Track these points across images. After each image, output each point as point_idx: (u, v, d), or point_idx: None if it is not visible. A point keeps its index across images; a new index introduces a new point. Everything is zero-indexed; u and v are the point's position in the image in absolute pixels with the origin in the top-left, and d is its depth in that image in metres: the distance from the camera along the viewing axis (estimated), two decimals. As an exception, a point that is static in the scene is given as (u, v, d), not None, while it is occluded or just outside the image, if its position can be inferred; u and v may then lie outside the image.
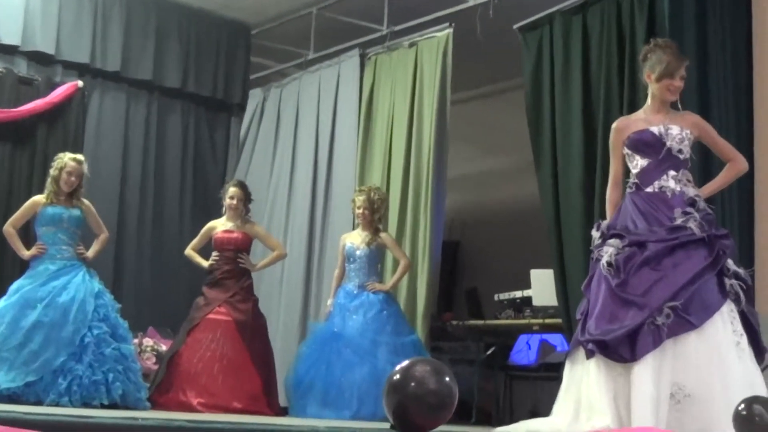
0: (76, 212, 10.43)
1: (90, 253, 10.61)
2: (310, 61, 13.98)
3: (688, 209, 6.61)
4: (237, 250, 11.21)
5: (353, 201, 11.44)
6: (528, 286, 11.20)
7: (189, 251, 11.53)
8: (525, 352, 13.10)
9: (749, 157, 8.10)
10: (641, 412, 6.05)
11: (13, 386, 9.44)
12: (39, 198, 10.47)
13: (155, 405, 10.31)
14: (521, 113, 10.66)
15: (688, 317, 6.16)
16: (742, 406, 4.86)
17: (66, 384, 9.55)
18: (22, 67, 12.71)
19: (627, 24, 9.66)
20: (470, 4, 11.42)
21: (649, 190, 6.80)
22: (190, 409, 10.27)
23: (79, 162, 10.50)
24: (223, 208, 11.45)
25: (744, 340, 6.22)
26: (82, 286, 10.08)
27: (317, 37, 13.68)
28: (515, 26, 10.63)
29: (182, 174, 14.29)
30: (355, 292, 10.83)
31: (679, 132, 6.84)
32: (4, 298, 10.00)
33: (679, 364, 6.10)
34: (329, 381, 10.37)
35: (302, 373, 10.54)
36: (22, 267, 10.64)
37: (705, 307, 6.24)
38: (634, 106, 8.72)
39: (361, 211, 11.20)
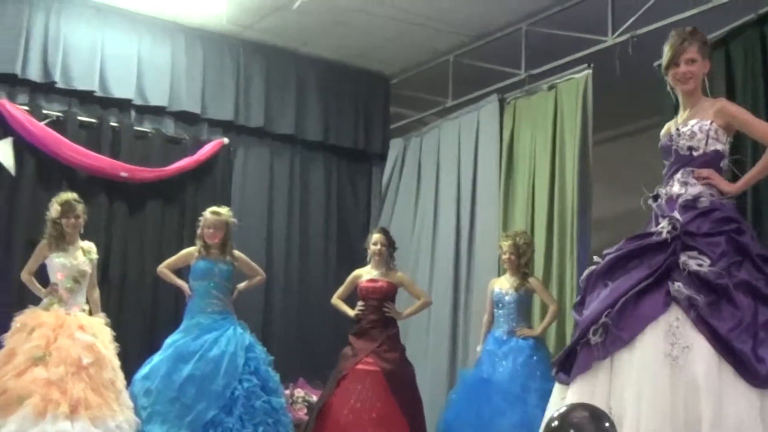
0: (226, 266, 10.61)
1: (242, 286, 10.94)
2: (449, 108, 13.81)
3: (676, 213, 6.07)
4: (382, 298, 11.02)
5: (500, 247, 11.21)
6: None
7: (335, 300, 11.41)
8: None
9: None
10: None
11: None
12: (193, 250, 10.75)
13: None
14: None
15: (619, 333, 5.66)
16: (556, 415, 4.26)
17: None
18: (169, 127, 12.98)
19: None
20: (608, 43, 11.27)
21: (660, 200, 6.35)
22: (340, 462, 10.40)
23: (217, 214, 10.70)
24: (368, 257, 11.33)
25: (690, 353, 5.44)
26: (233, 340, 10.21)
27: (455, 83, 13.58)
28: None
29: (326, 224, 14.36)
30: (504, 338, 10.55)
31: (692, 127, 6.31)
32: (159, 352, 10.19)
33: (613, 385, 5.62)
34: (479, 428, 10.12)
35: (451, 419, 10.36)
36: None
37: (638, 320, 5.68)
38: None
39: (507, 256, 10.95)
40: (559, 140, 11.60)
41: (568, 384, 5.85)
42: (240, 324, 10.58)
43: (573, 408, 4.23)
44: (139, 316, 11.98)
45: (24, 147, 11.78)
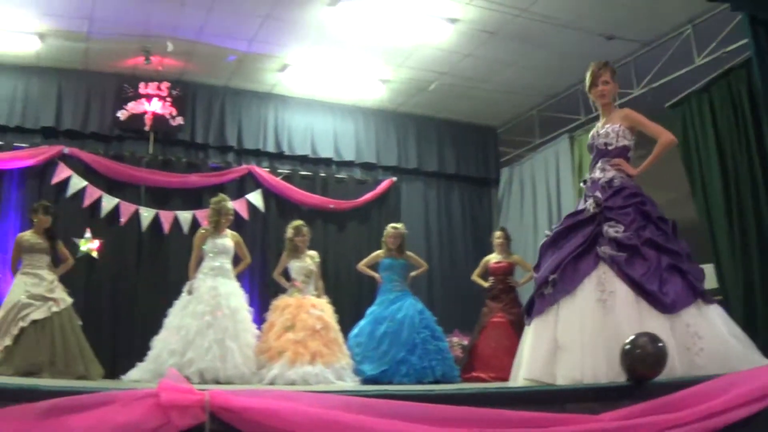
0: (402, 261, 11.28)
1: (413, 273, 11.46)
2: (537, 145, 14.26)
3: (597, 193, 6.14)
4: (505, 274, 11.51)
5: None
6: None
7: (474, 277, 11.95)
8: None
9: None
10: (525, 363, 5.80)
11: (374, 373, 10.22)
12: (380, 252, 11.36)
13: (462, 380, 10.65)
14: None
15: (564, 285, 5.73)
16: (628, 340, 4.26)
17: (405, 370, 10.29)
18: (357, 173, 13.92)
19: (737, 93, 9.71)
20: (635, 93, 11.67)
21: (587, 183, 6.40)
22: (484, 381, 10.41)
23: (395, 227, 11.44)
24: (494, 247, 11.84)
25: (615, 296, 5.55)
26: (411, 307, 10.84)
27: (540, 128, 14.10)
28: (666, 105, 10.80)
29: (464, 228, 14.93)
30: None
31: (608, 129, 6.40)
32: (364, 318, 10.93)
33: (559, 324, 5.63)
34: None
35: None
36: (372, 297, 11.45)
37: (576, 275, 5.75)
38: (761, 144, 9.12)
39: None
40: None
41: (529, 324, 5.95)
42: (414, 297, 11.11)
43: (639, 335, 4.28)
44: (348, 297, 12.59)
45: (269, 194, 12.88)
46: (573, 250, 5.89)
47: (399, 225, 11.63)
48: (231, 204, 10.55)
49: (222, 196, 10.63)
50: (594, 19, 10.76)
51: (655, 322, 5.33)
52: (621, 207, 6.02)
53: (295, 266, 10.70)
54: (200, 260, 10.08)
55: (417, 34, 11.12)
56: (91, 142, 12.41)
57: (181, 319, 9.51)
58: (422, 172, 14.71)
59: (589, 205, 6.10)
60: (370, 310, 11.07)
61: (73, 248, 11.37)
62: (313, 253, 10.99)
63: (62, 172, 11.88)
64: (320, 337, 9.83)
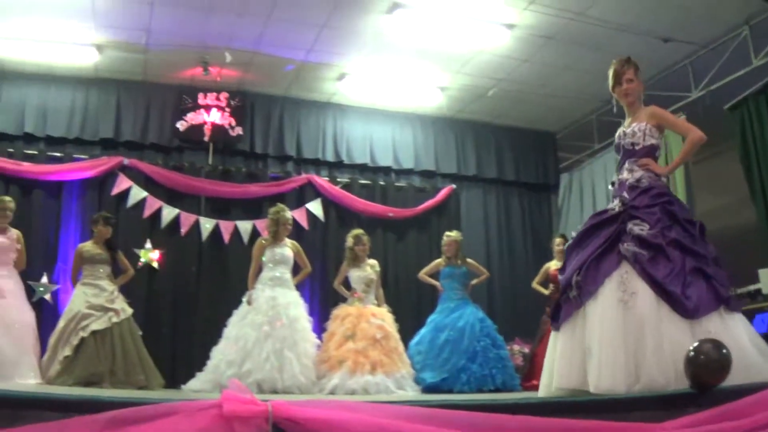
0: (462, 269, 11.22)
1: (474, 281, 11.40)
2: (596, 150, 14.11)
3: (624, 194, 5.93)
4: None
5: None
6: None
7: (534, 285, 11.82)
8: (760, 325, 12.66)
9: None
10: (557, 372, 5.58)
11: (434, 381, 10.14)
12: (440, 260, 11.34)
13: (523, 389, 10.56)
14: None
15: (588, 287, 5.52)
16: (692, 347, 4.14)
17: (466, 378, 10.21)
18: (416, 181, 13.89)
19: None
20: (693, 96, 11.61)
21: (614, 185, 6.18)
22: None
23: (449, 235, 11.38)
24: (553, 254, 11.79)
25: (637, 297, 5.35)
26: (471, 315, 10.79)
27: (598, 133, 13.93)
28: (725, 107, 10.85)
29: (523, 235, 14.83)
30: None
31: (634, 128, 6.15)
32: (424, 326, 10.86)
33: (587, 327, 5.45)
34: None
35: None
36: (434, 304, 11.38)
37: (599, 275, 5.55)
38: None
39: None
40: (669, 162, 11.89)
41: (558, 330, 5.75)
42: (475, 305, 11.05)
43: (702, 341, 4.21)
44: (408, 306, 12.48)
45: (328, 203, 12.89)
46: (595, 249, 5.70)
47: (453, 233, 11.61)
48: (289, 213, 10.59)
49: (280, 206, 10.67)
50: (650, 22, 10.67)
51: (676, 327, 5.21)
52: (647, 206, 5.81)
53: (355, 275, 10.70)
54: (259, 270, 10.11)
55: (474, 40, 11.10)
56: (151, 153, 12.55)
57: (239, 329, 9.57)
58: (481, 179, 14.65)
59: (615, 204, 5.92)
60: (430, 318, 11.02)
61: (134, 259, 11.47)
62: (373, 261, 10.99)
63: (122, 183, 12.03)
64: (381, 346, 9.86)
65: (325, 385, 9.40)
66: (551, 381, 5.66)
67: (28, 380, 9.10)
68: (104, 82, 12.37)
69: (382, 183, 13.58)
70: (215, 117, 12.51)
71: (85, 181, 11.99)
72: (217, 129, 12.50)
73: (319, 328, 10.36)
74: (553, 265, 11.55)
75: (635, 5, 10.31)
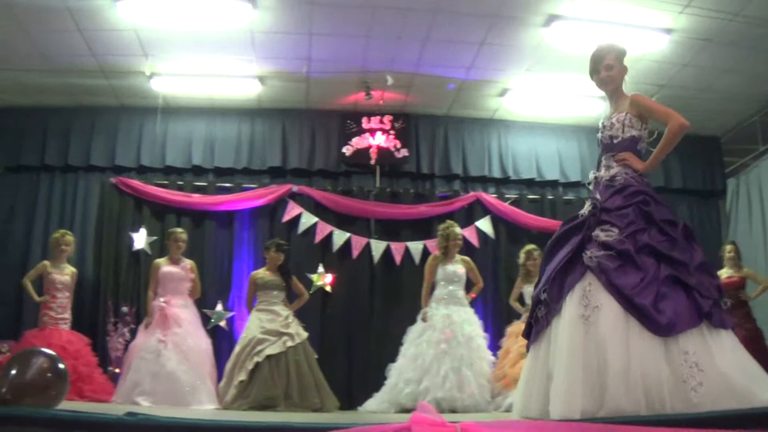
0: None
1: None
2: (761, 152, 13.43)
3: (597, 194, 5.48)
4: (736, 289, 10.82)
5: None
6: None
7: None
8: None
9: None
10: (519, 398, 5.24)
11: None
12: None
13: None
14: None
15: (554, 305, 5.05)
16: None
17: None
18: (583, 194, 12.70)
19: None
20: None
21: (592, 183, 5.74)
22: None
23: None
24: (723, 261, 11.26)
25: (600, 312, 4.82)
26: None
27: (762, 134, 13.32)
28: None
29: None
30: None
31: (612, 120, 5.69)
32: None
33: (551, 350, 4.99)
34: None
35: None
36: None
37: (562, 290, 5.07)
38: None
39: None
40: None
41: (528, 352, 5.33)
42: None
43: None
44: None
45: (497, 220, 12.62)
46: (560, 260, 5.19)
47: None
48: (458, 229, 10.57)
49: (449, 222, 10.65)
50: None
51: (646, 345, 4.64)
52: (620, 207, 5.29)
53: (528, 291, 10.39)
54: (432, 288, 10.11)
55: (632, 47, 10.79)
56: (318, 179, 12.75)
57: (417, 347, 9.61)
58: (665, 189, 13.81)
59: (586, 207, 5.42)
60: None
61: (307, 283, 11.58)
62: (545, 277, 10.85)
63: (293, 209, 12.22)
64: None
65: (501, 403, 9.22)
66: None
67: (205, 406, 9.45)
68: (268, 112, 12.67)
69: (550, 197, 13.24)
70: (380, 140, 12.57)
71: (255, 210, 12.27)
72: (382, 152, 12.56)
73: (494, 346, 10.24)
74: (724, 273, 11.14)
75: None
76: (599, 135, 5.77)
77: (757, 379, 4.71)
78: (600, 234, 5.12)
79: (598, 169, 5.71)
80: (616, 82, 5.80)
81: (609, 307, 4.79)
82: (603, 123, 5.77)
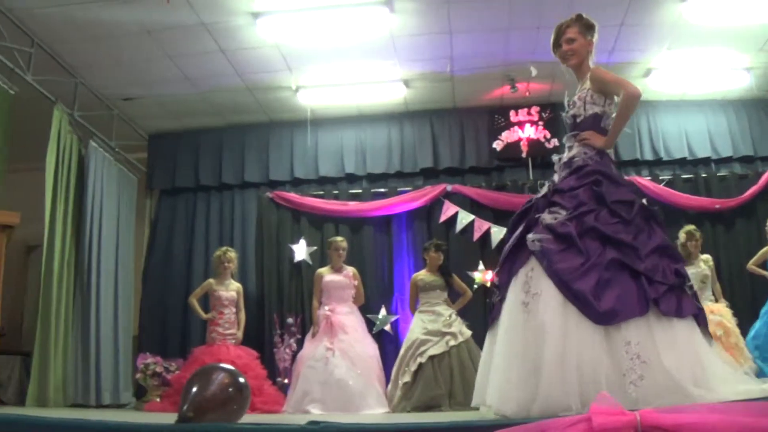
0: None
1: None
2: None
3: (555, 176, 5.41)
4: None
5: None
6: None
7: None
8: None
9: None
10: (477, 381, 5.20)
11: None
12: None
13: None
14: None
15: (502, 289, 4.94)
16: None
17: None
18: (736, 168, 12.89)
19: None
20: None
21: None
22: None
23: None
24: None
25: (539, 299, 4.64)
26: None
27: None
28: None
29: None
30: None
31: (574, 98, 5.54)
32: (758, 320, 10.25)
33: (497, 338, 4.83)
34: None
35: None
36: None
37: (509, 274, 4.94)
38: None
39: None
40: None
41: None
42: None
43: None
44: (743, 299, 11.60)
45: (653, 202, 11.49)
46: (510, 245, 5.09)
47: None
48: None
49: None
50: None
51: (585, 334, 4.44)
52: (572, 188, 5.10)
53: (689, 272, 10.22)
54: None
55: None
56: (471, 177, 12.82)
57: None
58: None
59: (544, 189, 5.29)
60: (763, 311, 10.38)
61: (469, 282, 11.64)
62: (706, 256, 10.72)
63: (449, 209, 12.34)
64: (721, 343, 9.42)
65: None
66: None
67: (375, 410, 9.61)
68: (416, 114, 12.80)
69: (704, 175, 12.83)
70: (530, 132, 12.58)
71: (411, 212, 12.42)
72: (533, 144, 12.56)
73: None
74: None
75: None
76: (563, 115, 5.65)
77: (711, 374, 4.50)
78: (546, 217, 5.01)
79: (561, 150, 5.61)
80: (580, 56, 5.58)
81: (549, 294, 4.65)
82: (567, 102, 5.62)
